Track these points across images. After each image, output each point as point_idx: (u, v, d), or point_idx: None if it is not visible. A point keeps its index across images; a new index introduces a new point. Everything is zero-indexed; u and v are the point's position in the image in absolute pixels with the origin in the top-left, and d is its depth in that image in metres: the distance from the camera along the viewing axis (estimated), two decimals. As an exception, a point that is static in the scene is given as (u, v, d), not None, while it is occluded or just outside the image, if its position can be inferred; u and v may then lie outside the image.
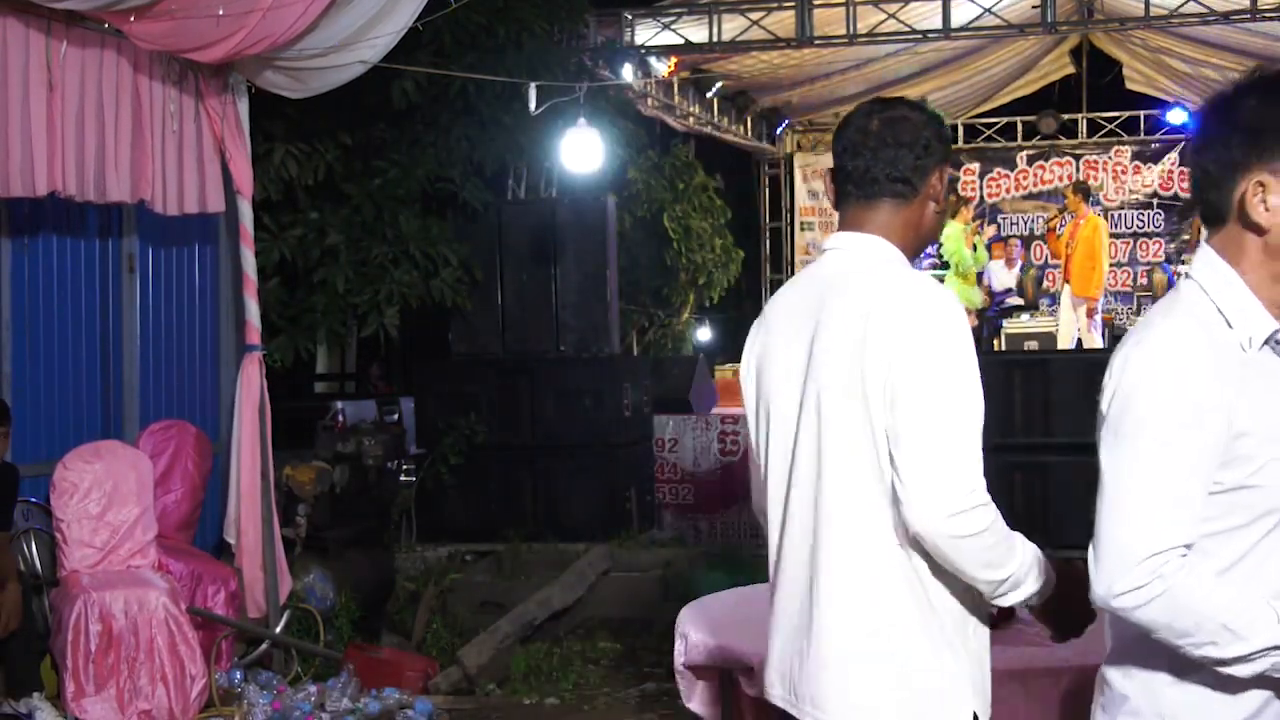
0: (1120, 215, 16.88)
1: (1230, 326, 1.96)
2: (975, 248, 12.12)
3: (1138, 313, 14.00)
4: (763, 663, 2.54)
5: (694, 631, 3.69)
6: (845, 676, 2.33)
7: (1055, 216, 12.99)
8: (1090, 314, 12.43)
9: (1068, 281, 12.59)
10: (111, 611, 5.68)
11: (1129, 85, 16.38)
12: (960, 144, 17.15)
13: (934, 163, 2.43)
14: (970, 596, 2.33)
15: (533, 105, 8.73)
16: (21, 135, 5.50)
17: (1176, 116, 15.84)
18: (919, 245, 2.49)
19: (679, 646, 3.73)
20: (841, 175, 2.47)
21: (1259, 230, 1.97)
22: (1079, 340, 12.42)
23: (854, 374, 2.29)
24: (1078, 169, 16.97)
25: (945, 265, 12.08)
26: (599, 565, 8.40)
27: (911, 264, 2.44)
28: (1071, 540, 2.40)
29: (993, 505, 2.22)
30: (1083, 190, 12.84)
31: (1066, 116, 16.81)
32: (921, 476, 2.20)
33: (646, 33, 12.44)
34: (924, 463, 2.20)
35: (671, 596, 8.21)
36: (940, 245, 12.46)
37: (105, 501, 6.18)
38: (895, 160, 2.40)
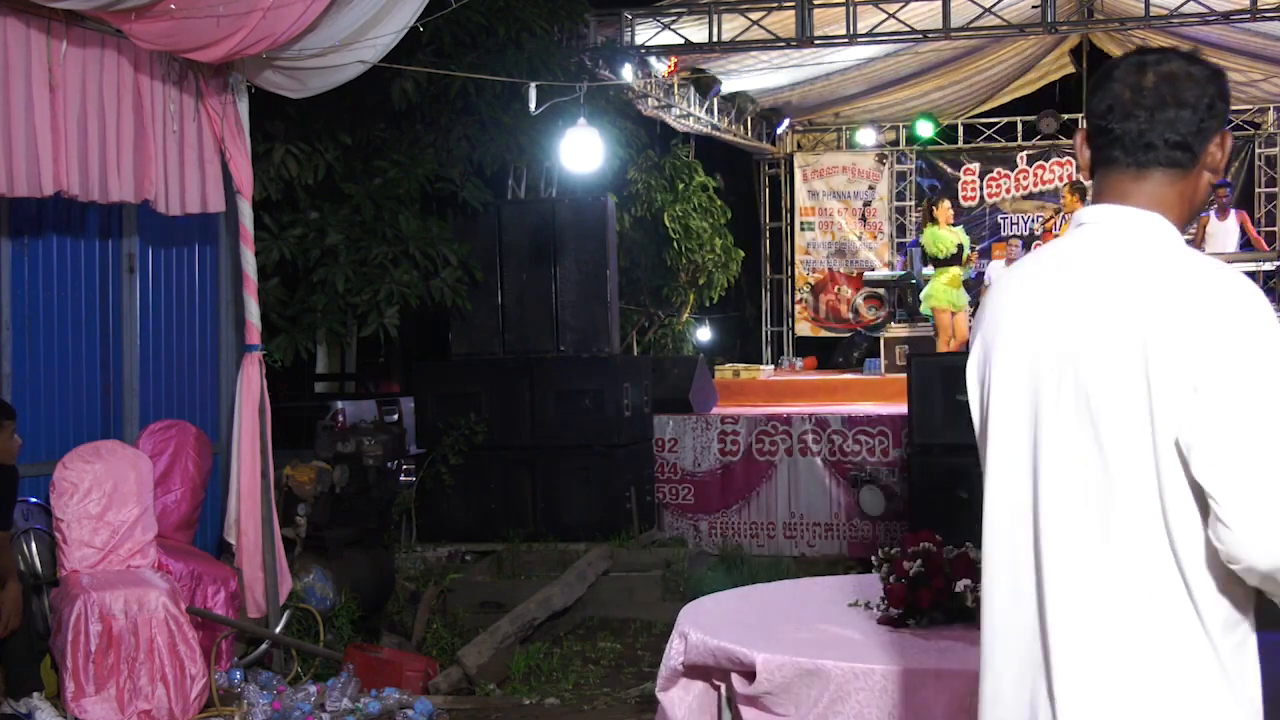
0: (1120, 215, 16.85)
1: None
2: (961, 248, 12.01)
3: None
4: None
5: (694, 631, 3.69)
6: None
7: (1051, 217, 12.96)
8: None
9: (1064, 281, 12.52)
10: (111, 611, 5.68)
11: (1129, 85, 16.33)
12: (960, 144, 17.17)
13: (1215, 127, 2.11)
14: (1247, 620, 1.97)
15: (533, 105, 8.74)
16: (25, 135, 5.50)
17: (1176, 116, 15.79)
18: (1189, 220, 2.19)
19: (679, 646, 3.73)
20: (1105, 138, 2.11)
21: None
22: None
23: (1135, 373, 1.94)
24: (1078, 169, 16.94)
25: (944, 262, 12.00)
26: (599, 565, 8.41)
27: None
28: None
29: None
30: (1079, 190, 12.78)
31: (1066, 116, 16.77)
32: (1261, 501, 1.83)
33: (646, 33, 12.43)
34: (1264, 484, 1.83)
35: (671, 596, 8.23)
36: (924, 248, 12.41)
37: (105, 501, 6.18)
38: (1175, 123, 2.08)
